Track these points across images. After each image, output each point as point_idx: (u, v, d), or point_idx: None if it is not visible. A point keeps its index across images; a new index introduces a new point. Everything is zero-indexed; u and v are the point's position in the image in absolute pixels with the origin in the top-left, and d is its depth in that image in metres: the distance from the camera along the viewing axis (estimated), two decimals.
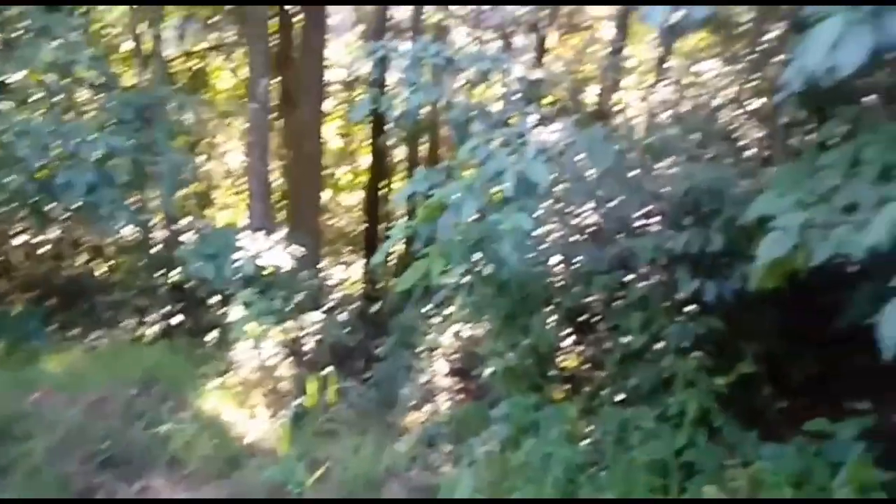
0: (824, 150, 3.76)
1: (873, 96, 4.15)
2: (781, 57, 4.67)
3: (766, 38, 5.31)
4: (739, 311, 3.91)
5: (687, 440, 3.40)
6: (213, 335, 5.92)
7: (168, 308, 6.65)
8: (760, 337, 3.97)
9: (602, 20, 7.62)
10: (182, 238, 6.93)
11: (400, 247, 6.71)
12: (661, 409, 3.58)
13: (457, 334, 4.88)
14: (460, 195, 3.17)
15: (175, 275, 6.48)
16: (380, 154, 10.74)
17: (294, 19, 9.21)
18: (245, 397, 4.99)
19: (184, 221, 7.61)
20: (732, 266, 3.88)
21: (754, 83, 5.52)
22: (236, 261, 5.82)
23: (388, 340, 5.59)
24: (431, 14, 9.19)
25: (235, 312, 5.44)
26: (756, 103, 5.52)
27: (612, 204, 4.58)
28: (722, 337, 3.95)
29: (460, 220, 3.15)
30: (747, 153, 5.22)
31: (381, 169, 10.86)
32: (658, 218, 4.54)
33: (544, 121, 5.15)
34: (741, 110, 5.53)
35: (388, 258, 5.77)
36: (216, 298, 6.02)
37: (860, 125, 3.98)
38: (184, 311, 6.58)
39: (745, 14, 5.55)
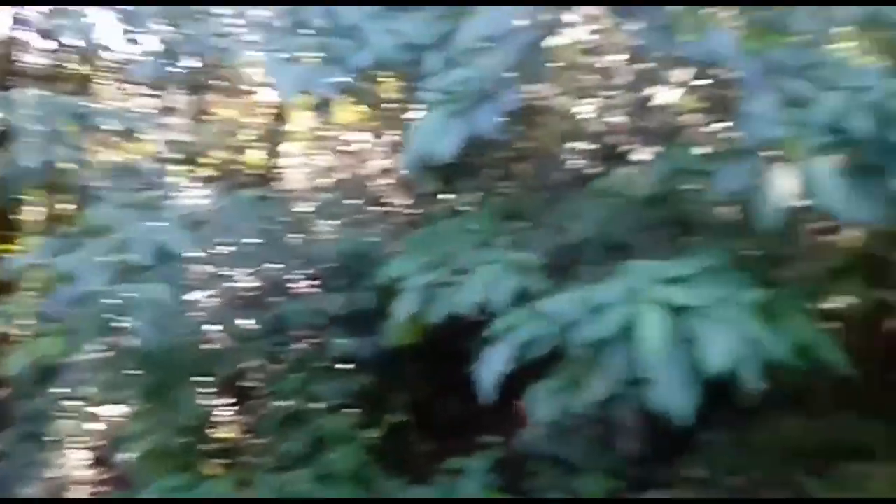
0: (451, 217, 4.33)
1: (494, 171, 4.92)
2: None
3: (407, 115, 5.96)
4: (389, 365, 4.21)
5: (342, 496, 3.50)
6: None
7: None
8: (408, 387, 4.33)
9: (263, 85, 7.76)
10: None
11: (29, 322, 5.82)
12: (318, 469, 3.64)
13: (96, 418, 4.37)
14: (87, 264, 2.90)
15: None
16: (3, 215, 9.26)
17: None
18: None
19: None
20: (381, 324, 4.19)
21: (399, 155, 6.13)
22: None
23: (8, 434, 4.73)
24: (73, 63, 8.37)
25: None
26: (402, 173, 6.13)
27: (269, 268, 4.62)
28: (374, 391, 4.21)
29: (86, 291, 2.87)
30: (396, 219, 5.73)
31: (3, 232, 9.35)
32: (314, 281, 4.72)
33: (198, 185, 5.03)
34: (390, 179, 6.08)
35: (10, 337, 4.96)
36: None
37: (483, 196, 4.67)
38: None
39: (392, 92, 6.18)
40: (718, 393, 2.38)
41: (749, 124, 2.45)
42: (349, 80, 3.49)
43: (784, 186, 2.24)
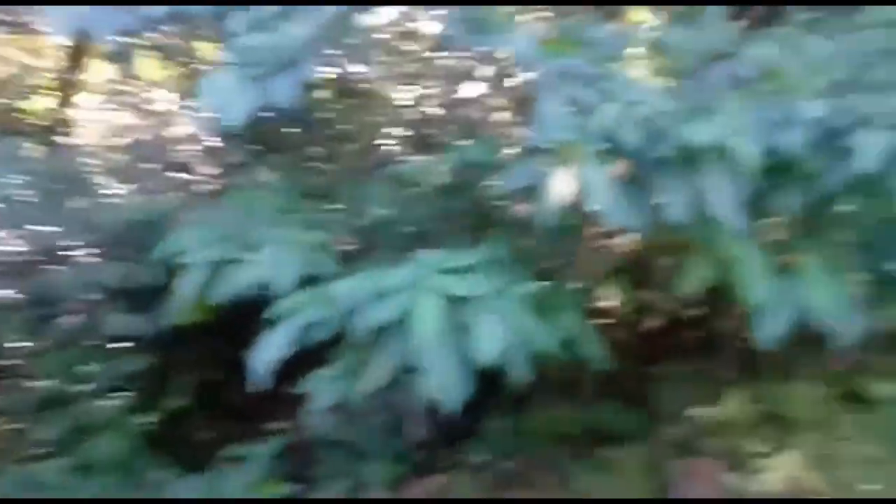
0: (251, 191, 4.10)
1: (306, 148, 4.75)
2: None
3: None
4: (173, 345, 3.91)
5: (101, 489, 3.20)
6: None
7: None
8: (193, 369, 4.05)
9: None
10: None
11: None
12: (77, 458, 3.30)
13: None
14: None
15: None
16: None
17: None
18: None
19: None
20: (167, 300, 3.88)
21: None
22: None
23: None
24: None
25: None
26: (212, 141, 5.73)
27: (42, 231, 4.12)
28: (155, 373, 3.89)
29: None
30: (197, 189, 5.35)
31: None
32: (95, 249, 4.27)
33: None
34: (195, 146, 5.66)
35: None
36: None
37: (287, 172, 4.47)
38: None
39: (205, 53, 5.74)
40: (498, 380, 2.47)
41: (538, 125, 2.54)
42: (142, 30, 3.18)
43: (562, 188, 2.35)
